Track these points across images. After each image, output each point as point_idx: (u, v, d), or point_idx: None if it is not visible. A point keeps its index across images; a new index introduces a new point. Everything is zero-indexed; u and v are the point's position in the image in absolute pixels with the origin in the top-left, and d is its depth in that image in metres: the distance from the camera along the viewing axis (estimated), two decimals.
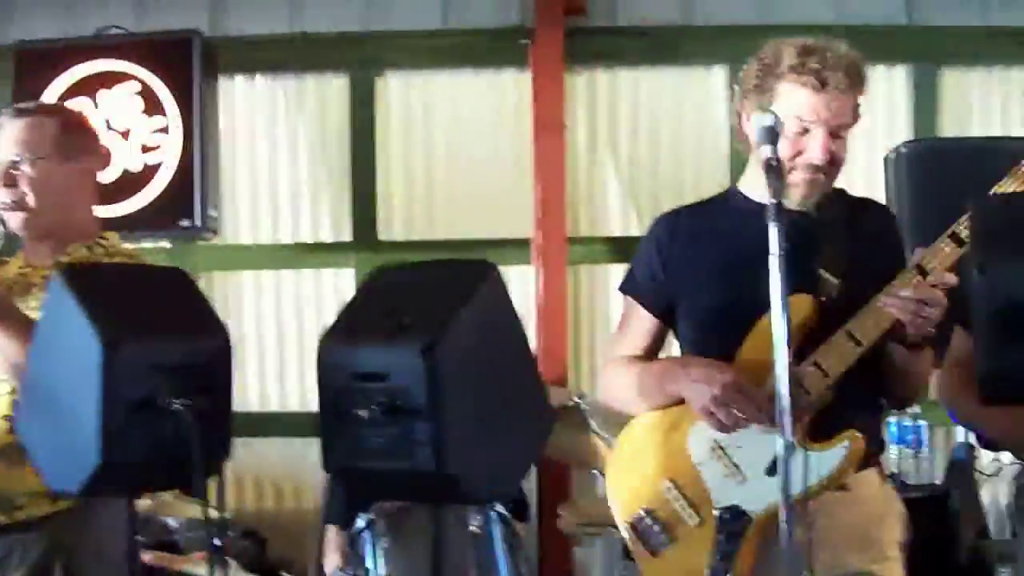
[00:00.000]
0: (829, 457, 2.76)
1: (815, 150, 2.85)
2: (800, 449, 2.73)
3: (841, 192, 3.03)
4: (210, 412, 2.35)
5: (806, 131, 2.85)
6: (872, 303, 2.77)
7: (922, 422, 5.18)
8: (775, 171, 2.50)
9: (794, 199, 2.89)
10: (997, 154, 4.80)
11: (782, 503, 2.42)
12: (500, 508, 4.06)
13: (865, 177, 5.28)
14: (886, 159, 4.95)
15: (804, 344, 2.79)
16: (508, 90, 6.10)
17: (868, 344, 2.78)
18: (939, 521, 4.90)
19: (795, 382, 2.73)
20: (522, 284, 5.93)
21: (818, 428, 2.78)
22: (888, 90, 6.07)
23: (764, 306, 2.68)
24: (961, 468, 5.07)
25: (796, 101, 2.84)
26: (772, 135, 2.58)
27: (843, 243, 2.93)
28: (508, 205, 6.04)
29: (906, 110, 6.08)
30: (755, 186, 2.98)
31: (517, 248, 5.95)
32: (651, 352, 3.14)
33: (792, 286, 2.80)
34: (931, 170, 4.76)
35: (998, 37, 6.11)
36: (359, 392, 2.14)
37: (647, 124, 6.08)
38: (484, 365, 2.18)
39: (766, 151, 2.54)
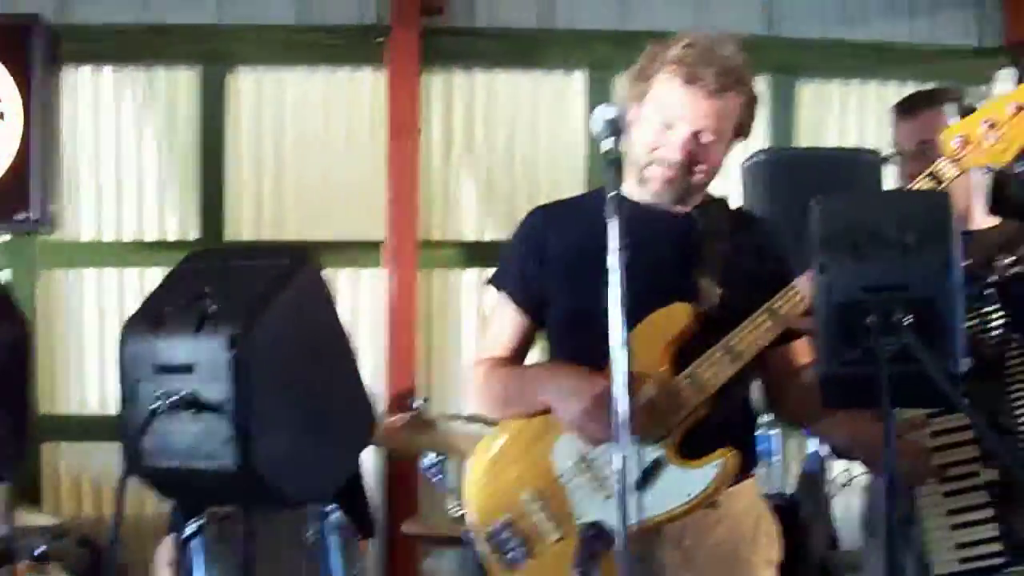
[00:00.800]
0: (700, 476, 2.66)
1: (673, 148, 2.75)
2: (671, 465, 2.69)
3: (722, 202, 2.94)
4: None
5: (669, 127, 2.75)
6: (753, 317, 2.67)
7: (774, 432, 5.16)
8: (615, 165, 2.40)
9: (648, 196, 2.81)
10: (850, 164, 4.85)
11: (619, 520, 2.29)
12: (338, 517, 3.91)
13: (722, 185, 5.24)
14: (742, 167, 4.94)
15: (682, 355, 2.71)
16: (363, 89, 5.95)
17: (747, 359, 2.68)
18: (790, 532, 4.86)
19: (670, 395, 2.70)
20: (373, 288, 5.82)
21: (692, 443, 2.69)
22: None
23: (642, 310, 2.64)
24: (812, 479, 5.05)
25: (665, 93, 2.75)
26: (614, 128, 2.46)
27: (725, 252, 2.83)
28: (360, 207, 5.89)
29: (764, 120, 6.08)
30: (630, 181, 2.88)
31: (368, 251, 5.82)
32: (520, 351, 2.99)
33: (671, 293, 2.74)
34: (785, 179, 4.77)
35: (856, 50, 6.19)
36: (161, 386, 1.96)
37: (504, 127, 5.99)
38: (297, 360, 2.04)
39: (607, 144, 2.43)
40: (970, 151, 2.57)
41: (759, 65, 5.91)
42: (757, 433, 5.10)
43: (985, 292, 2.87)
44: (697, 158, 2.77)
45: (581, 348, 2.80)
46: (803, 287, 2.59)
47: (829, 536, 4.90)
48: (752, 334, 2.67)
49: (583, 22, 5.98)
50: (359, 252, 5.77)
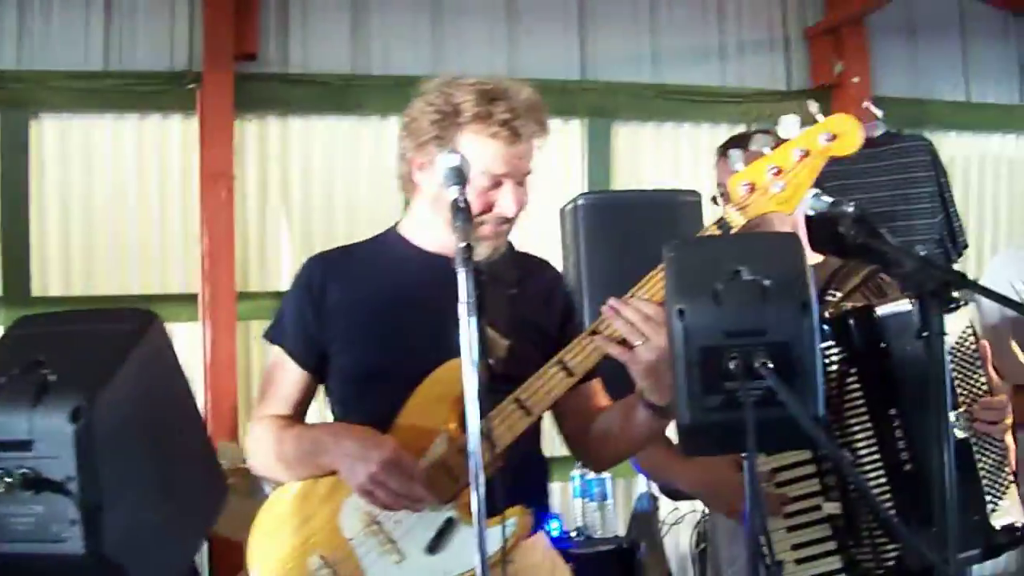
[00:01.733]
0: (493, 535, 2.47)
1: (507, 203, 2.66)
2: (463, 525, 2.60)
3: (510, 245, 2.84)
4: None
5: (497, 184, 2.66)
6: (544, 369, 2.59)
7: (606, 475, 5.16)
8: (463, 213, 2.32)
9: (484, 253, 2.68)
10: (668, 206, 4.90)
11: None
12: None
13: (541, 229, 5.25)
14: (562, 211, 4.96)
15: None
16: (175, 137, 5.80)
17: (539, 412, 2.61)
18: (627, 573, 4.90)
19: (460, 452, 2.57)
20: (190, 341, 5.64)
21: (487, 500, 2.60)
22: (564, 143, 6.14)
23: (428, 365, 2.55)
24: (645, 518, 5.09)
25: (485, 153, 2.63)
26: (460, 176, 2.40)
27: (511, 301, 2.75)
28: (174, 258, 5.74)
29: (581, 163, 6.15)
30: (419, 230, 2.80)
31: (184, 303, 5.66)
32: (301, 408, 2.84)
33: (455, 347, 2.62)
34: (604, 222, 4.79)
35: (668, 93, 6.29)
36: None
37: (321, 174, 5.91)
38: (146, 429, 1.89)
39: (453, 192, 2.36)
40: (756, 198, 2.57)
41: (575, 109, 6.09)
42: (590, 477, 5.18)
43: (822, 328, 2.90)
44: (522, 204, 2.71)
45: (365, 403, 2.71)
46: (599, 339, 2.55)
47: (664, 573, 4.93)
48: (544, 387, 2.60)
49: (397, 67, 5.95)
50: (175, 305, 5.59)
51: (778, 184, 2.57)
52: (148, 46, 5.77)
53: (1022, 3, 7.15)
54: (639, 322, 2.47)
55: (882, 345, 2.87)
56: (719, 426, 1.96)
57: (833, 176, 5.91)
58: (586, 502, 5.18)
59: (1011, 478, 3.01)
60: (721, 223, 2.56)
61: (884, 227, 5.68)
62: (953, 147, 6.79)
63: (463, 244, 2.21)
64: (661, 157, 6.25)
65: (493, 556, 2.52)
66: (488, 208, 2.67)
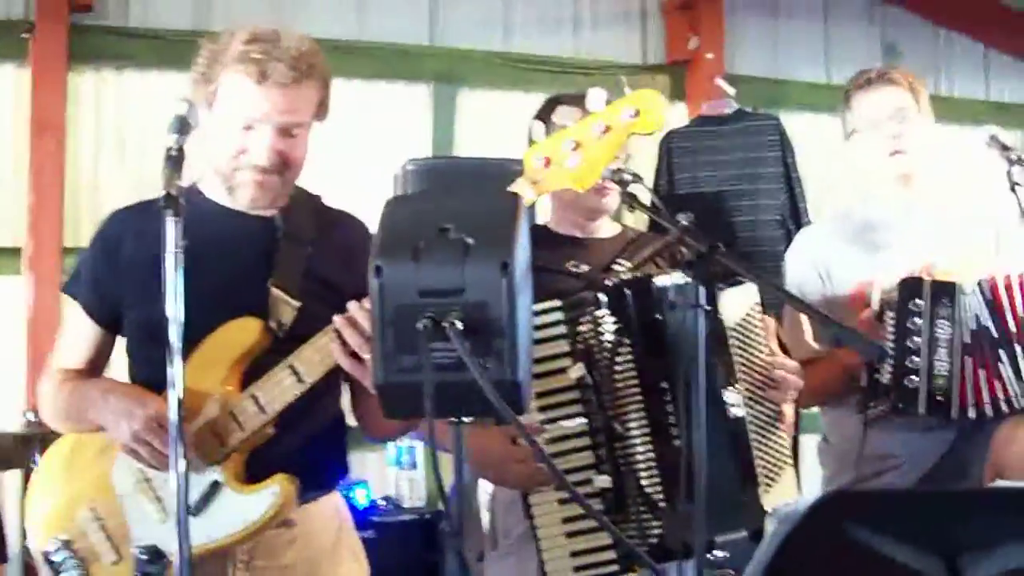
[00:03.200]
0: (256, 502, 2.53)
1: (259, 150, 2.59)
2: (228, 490, 2.56)
3: (315, 200, 2.81)
4: None
5: (250, 128, 2.59)
6: (319, 336, 2.52)
7: (417, 444, 5.12)
8: (173, 161, 2.27)
9: (242, 201, 2.66)
10: (498, 174, 4.83)
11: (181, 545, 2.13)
12: None
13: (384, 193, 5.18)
14: (394, 176, 4.90)
15: (249, 373, 2.56)
16: (6, 86, 5.62)
17: (312, 380, 2.54)
18: (428, 543, 4.87)
19: (232, 415, 2.56)
20: (12, 296, 5.51)
21: (262, 463, 2.56)
22: (409, 107, 6.06)
23: (213, 323, 2.51)
24: (463, 490, 5.03)
25: (238, 94, 2.58)
26: (182, 125, 2.35)
27: (306, 260, 2.70)
28: (1, 211, 5.57)
29: (426, 128, 6.07)
30: (209, 183, 2.74)
31: (7, 257, 5.52)
32: (95, 364, 2.80)
33: (244, 306, 2.56)
34: (434, 187, 4.74)
35: (518, 63, 6.23)
36: None
37: (156, 130, 5.66)
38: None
39: (170, 140, 2.30)
40: (551, 172, 2.52)
41: (420, 74, 6.02)
42: (401, 444, 5.12)
43: (598, 297, 2.86)
44: (286, 156, 2.63)
45: (153, 361, 2.57)
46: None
47: (479, 549, 4.88)
48: (317, 354, 2.53)
49: (240, 24, 5.76)
50: None
51: (574, 159, 2.50)
52: None
53: None
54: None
55: (657, 317, 2.83)
56: (414, 387, 1.90)
57: (684, 152, 5.93)
58: (398, 470, 5.14)
59: (788, 459, 3.00)
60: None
61: (732, 205, 5.76)
62: (810, 127, 6.79)
63: (165, 192, 2.16)
64: (509, 125, 6.15)
65: (253, 523, 2.52)
66: (242, 153, 2.61)
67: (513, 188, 2.52)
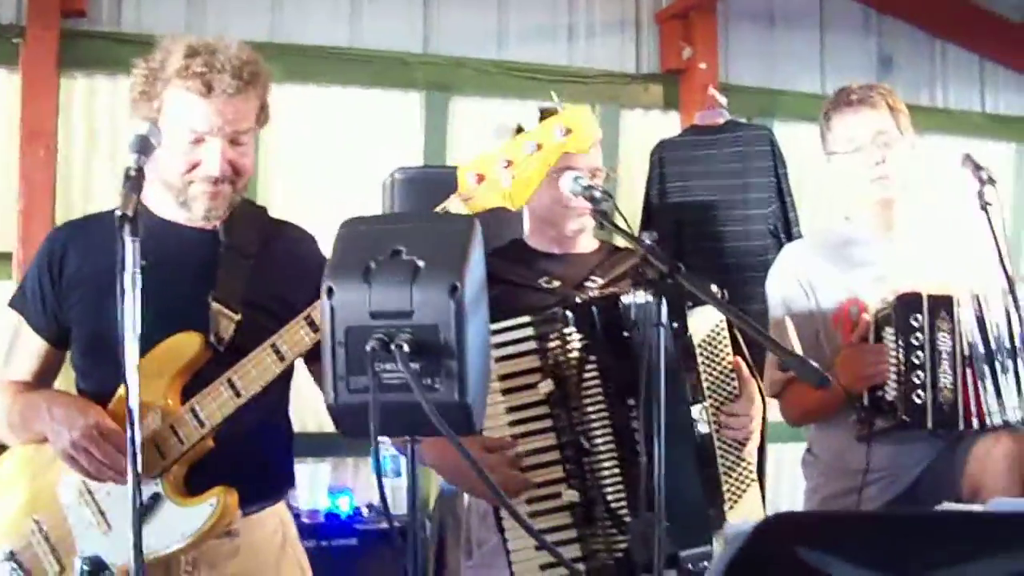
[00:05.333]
0: (194, 515, 2.57)
1: (212, 162, 2.64)
2: (168, 502, 2.59)
3: (259, 212, 2.85)
4: None
5: (200, 141, 2.63)
6: (257, 351, 2.58)
7: (400, 452, 5.11)
8: (132, 182, 2.27)
9: (197, 214, 2.70)
10: None
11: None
12: None
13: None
14: (383, 184, 4.90)
15: (190, 386, 2.60)
16: None
17: (249, 395, 2.59)
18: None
19: (172, 428, 2.60)
20: (2, 301, 5.43)
21: (203, 475, 2.60)
22: (401, 116, 6.07)
23: (154, 338, 2.52)
24: (449, 499, 5.05)
25: (184, 109, 2.63)
26: (143, 145, 2.39)
27: (248, 272, 2.74)
28: None
29: (418, 137, 6.08)
30: (160, 201, 2.75)
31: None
32: (43, 376, 2.84)
33: (186, 319, 2.59)
34: (419, 196, 4.74)
35: (512, 72, 6.23)
36: None
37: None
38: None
39: (131, 160, 2.32)
40: (483, 190, 2.54)
41: (413, 82, 6.02)
42: (385, 453, 5.12)
43: (566, 314, 2.87)
44: (236, 164, 2.68)
45: (98, 374, 2.70)
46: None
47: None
48: (255, 370, 2.58)
49: (232, 32, 5.73)
50: None
51: (507, 176, 2.51)
52: None
53: None
54: None
55: (625, 334, 2.84)
56: (365, 407, 1.92)
57: (676, 162, 5.93)
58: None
59: (753, 476, 3.01)
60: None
61: (723, 215, 5.76)
62: (805, 138, 6.76)
63: (120, 214, 2.17)
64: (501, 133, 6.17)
65: (193, 534, 2.55)
66: (193, 166, 2.64)
67: (446, 204, 2.56)
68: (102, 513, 2.62)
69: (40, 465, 2.70)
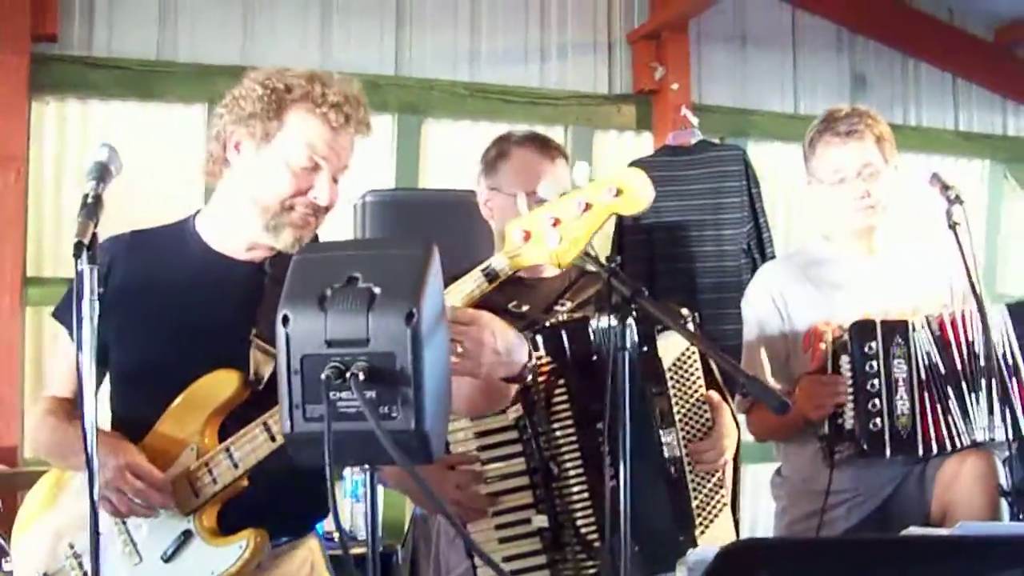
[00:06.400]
0: (224, 555, 2.57)
1: (323, 191, 2.63)
2: (198, 540, 2.60)
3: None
4: None
5: (316, 167, 2.62)
6: None
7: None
8: (89, 209, 2.31)
9: (287, 241, 2.66)
10: (458, 206, 4.85)
11: None
12: None
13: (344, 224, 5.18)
14: (354, 207, 4.92)
15: (227, 424, 2.59)
16: None
17: (282, 441, 2.56)
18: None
19: (204, 467, 2.60)
20: None
21: (235, 511, 2.60)
22: (372, 138, 6.02)
23: (194, 372, 2.52)
24: (423, 520, 5.05)
25: (310, 132, 2.61)
26: (103, 171, 2.43)
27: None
28: None
29: (390, 159, 6.08)
30: (213, 223, 2.75)
31: None
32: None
33: (227, 357, 2.57)
34: (391, 219, 4.78)
35: (484, 94, 6.24)
36: None
37: (120, 161, 5.70)
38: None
39: (88, 186, 2.32)
40: (529, 247, 2.50)
41: (385, 105, 6.02)
42: (356, 477, 5.10)
43: (535, 339, 2.86)
44: (334, 200, 2.68)
45: (132, 404, 2.69)
46: None
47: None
48: None
49: (204, 56, 5.81)
50: None
51: (554, 237, 2.48)
52: None
53: (855, 18, 7.21)
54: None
55: (594, 358, 2.83)
56: (321, 436, 1.90)
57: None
58: (354, 503, 5.13)
59: (724, 500, 3.01)
60: (488, 271, 2.51)
61: (696, 235, 5.76)
62: (778, 157, 6.81)
63: (77, 240, 2.17)
64: (474, 156, 6.16)
65: (222, 574, 2.57)
66: (302, 192, 2.63)
67: (490, 262, 2.52)
68: (133, 544, 2.62)
69: (77, 488, 2.68)
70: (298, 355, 1.91)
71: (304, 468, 1.95)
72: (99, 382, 2.79)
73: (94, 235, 2.21)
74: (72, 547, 2.68)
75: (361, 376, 1.85)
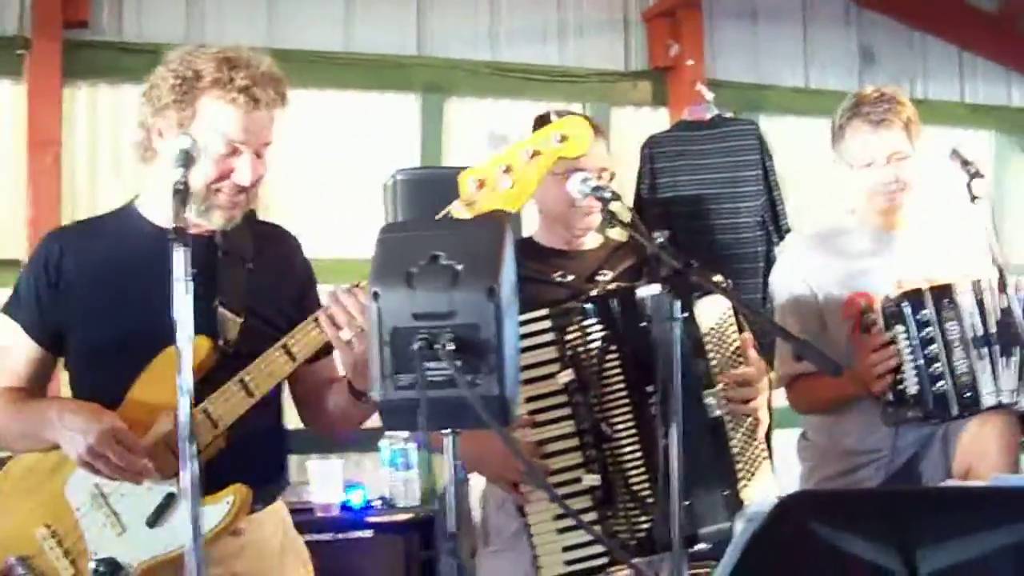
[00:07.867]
0: (211, 512, 2.61)
1: (244, 172, 2.71)
2: (184, 501, 2.56)
3: (249, 216, 2.89)
4: None
5: (234, 151, 2.71)
6: (268, 353, 2.67)
7: (411, 445, 5.24)
8: (181, 195, 2.37)
9: (218, 222, 2.76)
10: None
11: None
12: None
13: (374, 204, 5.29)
14: (384, 186, 5.01)
15: (200, 388, 2.58)
16: (2, 104, 5.71)
17: (261, 395, 2.68)
18: (423, 542, 5.01)
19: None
20: None
21: (212, 475, 2.60)
22: (398, 118, 6.18)
23: (162, 341, 2.54)
24: (456, 490, 5.17)
25: (223, 119, 2.67)
26: (188, 159, 2.46)
27: (246, 275, 2.82)
28: (1, 227, 5.65)
29: (414, 138, 6.19)
30: (154, 203, 2.82)
31: (7, 270, 5.41)
32: (37, 383, 2.87)
33: (194, 324, 2.62)
34: (420, 197, 4.86)
35: (505, 72, 6.37)
36: None
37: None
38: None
39: (177, 175, 2.41)
40: (484, 195, 2.66)
41: (409, 84, 6.13)
42: (396, 447, 5.24)
43: (585, 307, 3.01)
44: (259, 176, 2.76)
45: (98, 381, 2.75)
46: (323, 319, 2.63)
47: (472, 546, 5.01)
48: (267, 369, 2.67)
49: (232, 38, 5.86)
50: None
51: (506, 181, 2.65)
52: None
53: None
54: (357, 313, 2.57)
55: (643, 325, 2.98)
56: (411, 402, 2.05)
57: (665, 157, 6.06)
58: (393, 472, 5.26)
59: (764, 454, 3.14)
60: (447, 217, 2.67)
61: (713, 208, 5.87)
62: (791, 131, 6.92)
63: (175, 226, 2.26)
64: (496, 134, 6.29)
65: (210, 532, 2.61)
66: (224, 175, 2.72)
67: (449, 209, 2.68)
68: (116, 514, 2.68)
69: (44, 473, 2.74)
70: (388, 328, 2.05)
71: (397, 429, 2.07)
72: (50, 369, 2.89)
73: (185, 220, 2.31)
74: (49, 527, 2.71)
75: (450, 346, 2.00)
